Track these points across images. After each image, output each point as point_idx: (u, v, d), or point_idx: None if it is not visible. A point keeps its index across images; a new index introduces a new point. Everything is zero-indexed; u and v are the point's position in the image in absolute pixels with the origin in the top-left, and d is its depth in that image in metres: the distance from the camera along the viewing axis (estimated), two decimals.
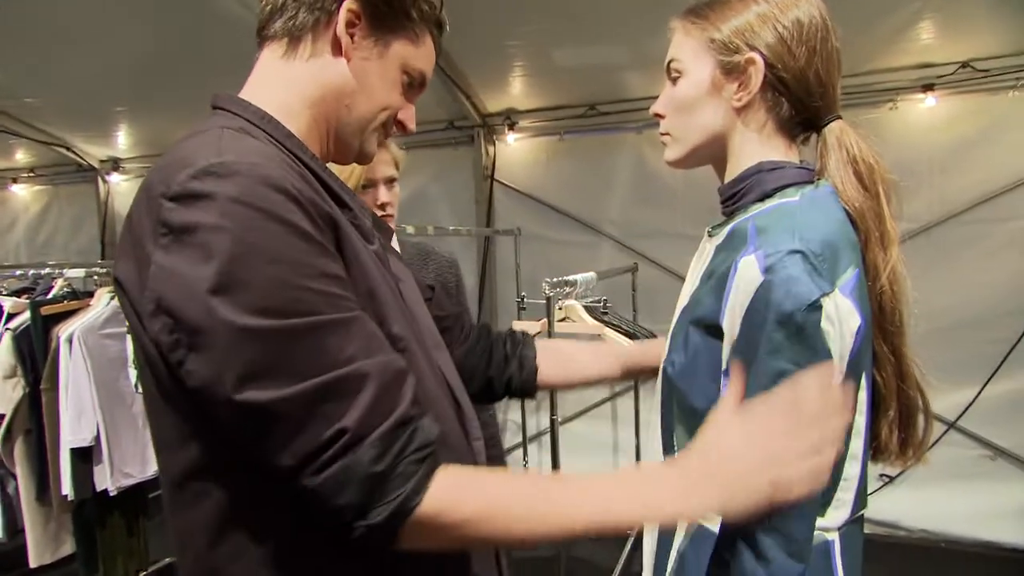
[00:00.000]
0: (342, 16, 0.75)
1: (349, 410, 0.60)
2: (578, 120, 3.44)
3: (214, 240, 0.58)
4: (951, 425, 2.98)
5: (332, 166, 0.91)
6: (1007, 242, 2.86)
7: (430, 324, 0.89)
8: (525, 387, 1.09)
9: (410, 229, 2.36)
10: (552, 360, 1.10)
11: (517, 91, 3.42)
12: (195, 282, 0.58)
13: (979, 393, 2.92)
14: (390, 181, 1.39)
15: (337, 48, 0.76)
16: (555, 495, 0.66)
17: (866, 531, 3.01)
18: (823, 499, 0.75)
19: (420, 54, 0.81)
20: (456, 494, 0.63)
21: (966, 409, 2.95)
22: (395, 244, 1.30)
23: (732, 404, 0.69)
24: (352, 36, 0.76)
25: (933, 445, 3.10)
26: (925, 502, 3.00)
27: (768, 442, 0.65)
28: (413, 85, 0.83)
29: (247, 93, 0.77)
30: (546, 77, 3.27)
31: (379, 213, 1.38)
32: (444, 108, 3.51)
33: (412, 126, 0.86)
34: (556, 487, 0.68)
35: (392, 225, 1.38)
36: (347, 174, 1.31)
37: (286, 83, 0.76)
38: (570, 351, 1.14)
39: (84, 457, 2.38)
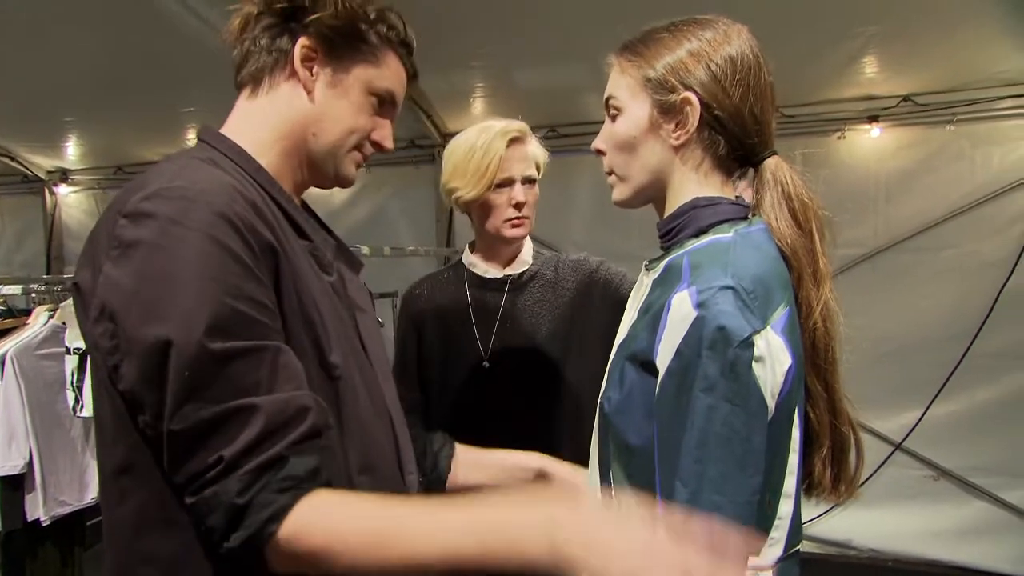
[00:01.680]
0: (297, 52, 0.81)
1: (233, 441, 0.64)
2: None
3: (151, 257, 0.65)
4: (897, 446, 3.06)
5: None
6: (946, 269, 2.98)
7: (382, 356, 0.91)
8: (432, 485, 1.11)
9: (365, 250, 2.32)
10: (468, 464, 1.13)
11: (478, 111, 3.43)
12: (131, 294, 0.65)
13: (923, 415, 3.01)
14: (529, 181, 1.35)
15: (298, 82, 0.82)
16: (410, 525, 0.65)
17: (817, 551, 3.01)
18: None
19: (384, 75, 0.86)
20: (308, 526, 0.65)
21: (911, 431, 3.04)
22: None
23: (654, 512, 0.66)
24: (311, 69, 0.83)
25: (880, 466, 3.19)
26: (874, 522, 3.07)
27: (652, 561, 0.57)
28: (384, 103, 0.88)
29: (229, 131, 0.84)
30: (507, 98, 3.29)
31: (513, 214, 1.32)
32: (405, 127, 3.50)
33: (389, 144, 0.91)
34: (414, 518, 0.66)
35: (528, 227, 1.36)
36: (480, 173, 1.29)
37: (255, 121, 0.84)
38: (487, 461, 1.16)
39: (14, 485, 2.26)
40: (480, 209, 1.35)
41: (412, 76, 0.92)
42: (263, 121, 0.83)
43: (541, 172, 1.39)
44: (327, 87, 0.83)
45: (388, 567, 0.64)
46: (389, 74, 0.87)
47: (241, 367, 0.65)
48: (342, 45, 0.83)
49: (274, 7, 0.82)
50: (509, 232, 1.34)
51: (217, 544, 0.65)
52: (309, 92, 0.83)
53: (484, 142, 1.30)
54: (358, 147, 0.88)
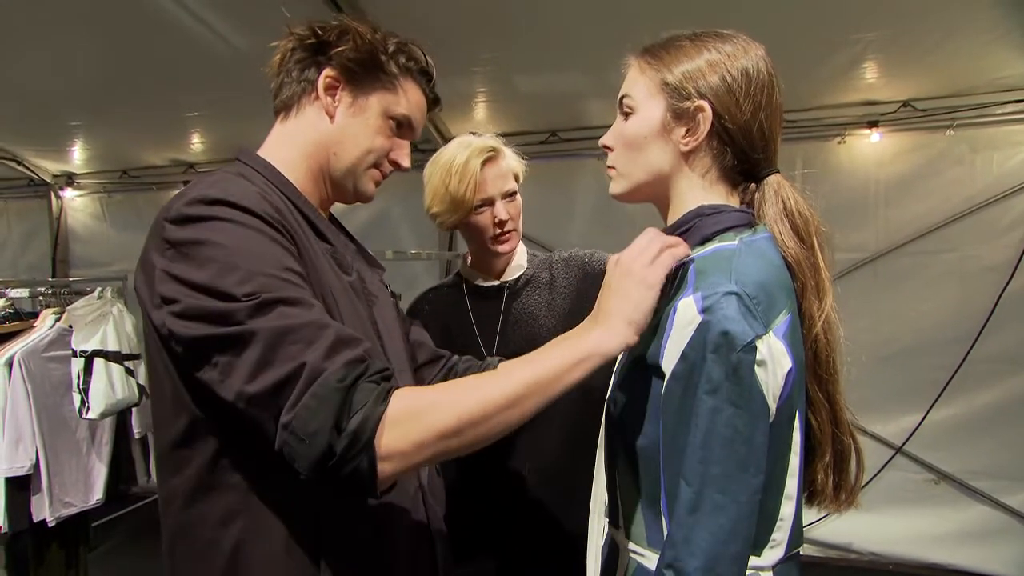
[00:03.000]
0: (321, 82, 0.92)
1: (309, 350, 0.71)
2: (540, 146, 3.49)
3: (202, 251, 0.75)
4: (897, 450, 3.07)
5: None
6: (946, 272, 2.99)
7: (400, 350, 0.98)
8: None
9: None
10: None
11: (480, 116, 3.45)
12: (187, 281, 0.74)
13: (923, 419, 3.02)
14: (508, 195, 1.36)
15: (322, 108, 0.92)
16: (493, 375, 0.78)
17: (818, 554, 3.00)
18: (758, 540, 0.76)
19: (401, 100, 0.96)
20: (413, 398, 0.74)
21: (911, 435, 3.05)
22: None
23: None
24: (333, 96, 0.93)
25: (881, 470, 3.18)
26: (875, 525, 3.08)
27: (627, 270, 0.80)
28: (402, 127, 0.97)
29: (262, 151, 0.95)
30: (509, 103, 3.32)
31: (497, 231, 1.34)
32: None
33: (405, 163, 0.99)
34: (497, 371, 0.80)
35: (516, 239, 1.38)
36: (458, 199, 1.31)
37: (285, 142, 0.94)
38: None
39: (21, 486, 2.28)
40: (466, 229, 1.38)
41: (433, 102, 1.01)
42: (291, 142, 0.94)
43: (521, 180, 1.40)
44: (347, 112, 0.93)
45: (487, 409, 0.74)
46: (407, 100, 0.96)
47: (294, 309, 0.74)
48: (362, 75, 0.92)
49: (305, 43, 0.92)
50: (498, 248, 1.36)
51: (329, 448, 0.68)
52: (331, 116, 0.93)
53: (458, 166, 1.31)
54: (376, 166, 0.96)
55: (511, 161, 1.38)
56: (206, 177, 0.84)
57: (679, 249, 0.82)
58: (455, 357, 1.19)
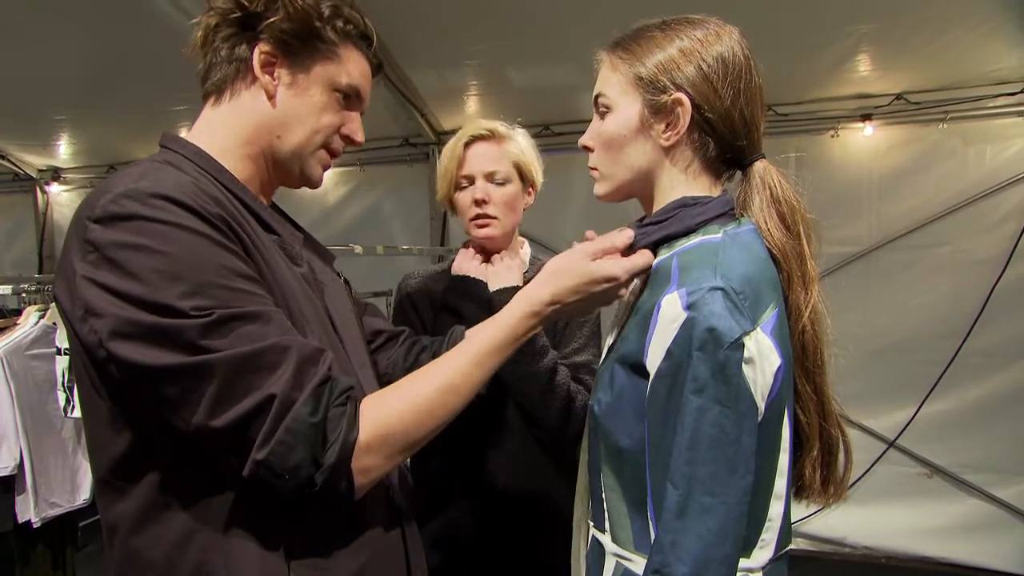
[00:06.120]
0: (256, 59, 0.82)
1: (273, 379, 0.68)
2: (533, 139, 3.46)
3: (136, 258, 0.66)
4: (890, 444, 3.07)
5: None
6: (938, 267, 2.98)
7: (357, 344, 0.93)
8: None
9: (358, 248, 2.31)
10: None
11: (472, 109, 3.42)
12: (121, 292, 0.66)
13: (916, 413, 3.02)
14: (492, 177, 1.31)
15: (260, 88, 0.84)
16: (444, 365, 0.81)
17: (812, 548, 3.00)
18: (747, 541, 0.74)
19: (345, 70, 0.87)
20: (380, 411, 0.74)
21: (904, 428, 3.04)
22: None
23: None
24: (272, 73, 0.84)
25: (874, 464, 3.18)
26: (868, 519, 3.08)
27: (588, 293, 0.84)
28: (349, 98, 0.89)
29: (191, 137, 0.85)
30: (501, 96, 3.28)
31: (475, 212, 1.30)
32: (399, 125, 3.48)
33: (358, 137, 0.91)
34: (441, 361, 0.83)
35: (496, 227, 1.32)
36: (442, 173, 1.33)
37: (218, 128, 0.85)
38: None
39: (5, 487, 2.24)
40: (455, 211, 1.37)
41: (376, 68, 0.92)
42: (226, 128, 0.85)
43: (528, 175, 1.36)
44: (289, 90, 0.84)
45: (452, 402, 0.79)
46: (351, 69, 0.87)
47: (251, 327, 0.69)
48: (299, 46, 0.83)
49: (229, 17, 0.82)
50: (475, 232, 1.33)
51: (309, 481, 0.68)
52: (271, 97, 0.84)
53: (451, 144, 1.32)
54: (325, 145, 0.89)
55: (513, 148, 1.33)
56: (131, 168, 0.75)
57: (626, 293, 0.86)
58: (419, 336, 1.14)
